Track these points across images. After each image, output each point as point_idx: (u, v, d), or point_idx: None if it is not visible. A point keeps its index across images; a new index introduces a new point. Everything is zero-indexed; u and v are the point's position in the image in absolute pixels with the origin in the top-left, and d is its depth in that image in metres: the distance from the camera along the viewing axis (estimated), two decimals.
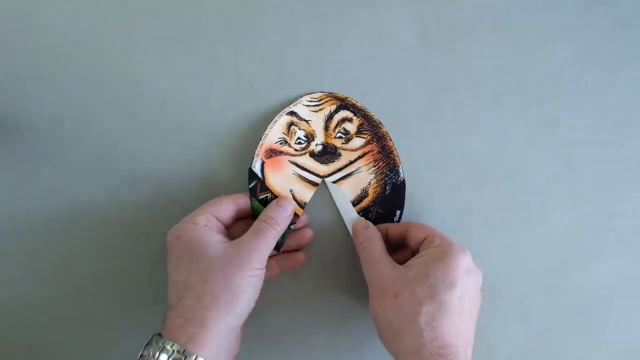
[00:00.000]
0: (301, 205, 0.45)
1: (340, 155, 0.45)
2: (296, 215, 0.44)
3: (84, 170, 0.44)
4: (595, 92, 0.47)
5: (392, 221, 0.45)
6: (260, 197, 0.44)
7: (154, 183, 0.45)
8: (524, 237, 0.46)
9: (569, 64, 0.47)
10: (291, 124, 0.45)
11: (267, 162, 0.45)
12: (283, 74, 0.46)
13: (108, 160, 0.45)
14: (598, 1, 0.47)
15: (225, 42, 0.46)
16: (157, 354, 0.34)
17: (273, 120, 0.45)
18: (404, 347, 0.37)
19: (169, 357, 0.34)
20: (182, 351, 0.34)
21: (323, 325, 0.45)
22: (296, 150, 0.45)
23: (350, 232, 0.44)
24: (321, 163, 0.45)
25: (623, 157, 0.47)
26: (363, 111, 0.45)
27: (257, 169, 0.44)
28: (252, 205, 0.43)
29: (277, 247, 0.44)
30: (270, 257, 0.40)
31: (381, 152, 0.45)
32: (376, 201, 0.45)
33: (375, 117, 0.46)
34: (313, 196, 0.45)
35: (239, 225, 0.42)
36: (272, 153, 0.45)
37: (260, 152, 0.45)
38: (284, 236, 0.44)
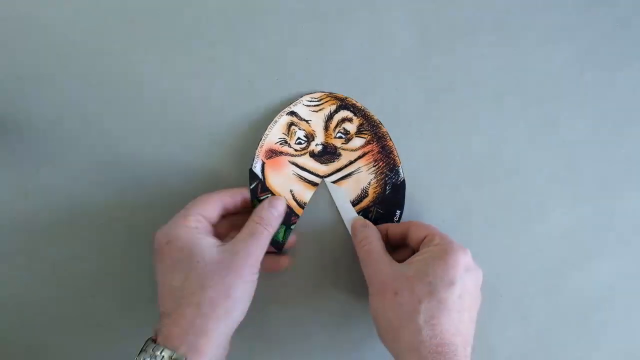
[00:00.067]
0: (301, 205, 0.45)
1: (340, 155, 0.45)
2: (296, 215, 0.44)
3: (84, 170, 0.44)
4: (595, 92, 0.47)
5: (392, 221, 0.45)
6: (262, 197, 0.44)
7: (154, 183, 0.45)
8: (524, 237, 0.46)
9: (569, 64, 0.47)
10: (291, 124, 0.45)
11: (268, 162, 0.45)
12: (283, 74, 0.46)
13: (108, 160, 0.45)
14: (598, 1, 0.47)
15: (225, 42, 0.46)
16: None
17: (273, 121, 0.45)
18: (403, 345, 0.37)
19: None
20: None
21: (323, 325, 0.45)
22: (296, 150, 0.45)
23: (350, 232, 0.44)
24: (321, 163, 0.45)
25: (623, 157, 0.47)
26: (363, 111, 0.45)
27: (257, 169, 0.44)
28: (253, 206, 0.43)
29: (279, 247, 0.44)
30: None
31: (381, 152, 0.45)
32: (376, 201, 0.45)
33: (375, 117, 0.46)
34: (313, 196, 0.45)
35: (224, 222, 0.42)
36: (272, 153, 0.45)
37: (260, 152, 0.45)
38: (285, 236, 0.44)
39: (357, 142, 0.45)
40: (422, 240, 0.40)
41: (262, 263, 0.41)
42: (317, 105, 0.45)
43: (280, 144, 0.45)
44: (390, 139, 0.45)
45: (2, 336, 0.44)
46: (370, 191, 0.45)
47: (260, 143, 0.45)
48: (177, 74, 0.45)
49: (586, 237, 0.46)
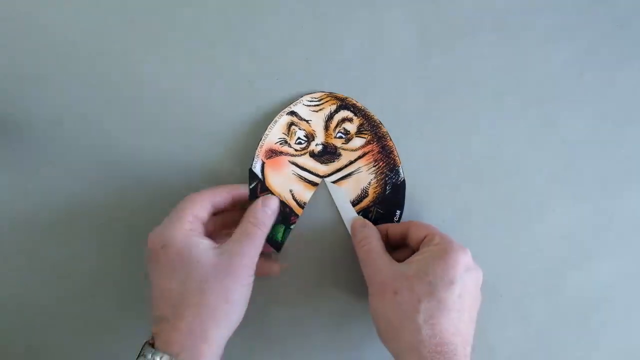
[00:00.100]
0: (301, 205, 0.45)
1: (340, 155, 0.45)
2: (296, 215, 0.44)
3: (84, 170, 0.44)
4: (595, 92, 0.47)
5: (392, 221, 0.45)
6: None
7: (154, 183, 0.45)
8: (524, 237, 0.46)
9: (569, 64, 0.47)
10: (291, 124, 0.45)
11: (267, 162, 0.45)
12: (283, 74, 0.46)
13: (108, 161, 0.45)
14: (598, 1, 0.47)
15: (225, 42, 0.46)
16: None
17: (273, 121, 0.45)
18: (403, 345, 0.37)
19: None
20: None
21: (323, 325, 0.45)
22: (296, 150, 0.45)
23: (350, 232, 0.44)
24: (321, 163, 0.45)
25: (623, 157, 0.47)
26: (363, 111, 0.45)
27: (257, 169, 0.44)
28: None
29: (278, 247, 0.44)
30: None
31: (381, 152, 0.45)
32: (376, 201, 0.45)
33: (376, 117, 0.46)
34: (313, 196, 0.45)
35: (214, 220, 0.42)
36: (272, 153, 0.45)
37: (260, 152, 0.45)
38: (284, 236, 0.44)
39: (357, 142, 0.45)
40: (422, 240, 0.40)
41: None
42: (317, 105, 0.45)
43: (280, 143, 0.45)
44: (391, 139, 0.45)
45: (2, 336, 0.44)
46: (370, 191, 0.45)
47: (260, 143, 0.45)
48: (177, 74, 0.45)
49: (586, 237, 0.46)
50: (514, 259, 0.46)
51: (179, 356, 0.34)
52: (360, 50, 0.46)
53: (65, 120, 0.45)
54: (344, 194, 0.45)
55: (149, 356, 0.34)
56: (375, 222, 0.44)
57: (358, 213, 0.45)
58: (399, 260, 0.40)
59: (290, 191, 0.45)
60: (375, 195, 0.45)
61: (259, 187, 0.44)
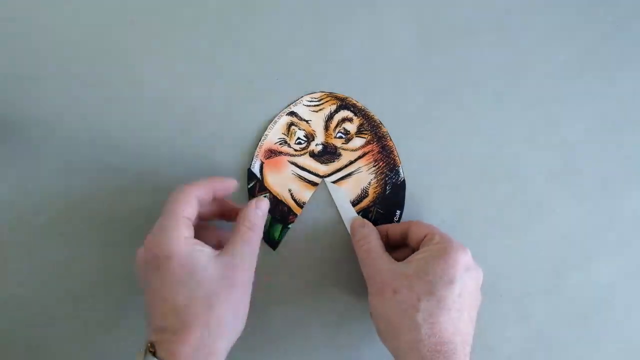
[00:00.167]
0: (299, 204, 0.45)
1: (340, 155, 0.45)
2: (294, 214, 0.44)
3: (84, 170, 0.44)
4: (595, 92, 0.47)
5: (392, 221, 0.45)
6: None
7: (154, 183, 0.45)
8: (524, 237, 0.46)
9: (569, 64, 0.47)
10: (291, 124, 0.45)
11: (267, 162, 0.45)
12: (283, 74, 0.46)
13: (108, 161, 0.45)
14: (598, 1, 0.47)
15: (225, 42, 0.46)
16: None
17: (273, 121, 0.45)
18: (402, 344, 0.37)
19: None
20: None
21: (323, 325, 0.45)
22: (296, 150, 0.45)
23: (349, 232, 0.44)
24: (321, 163, 0.45)
25: (623, 157, 0.47)
26: (363, 111, 0.45)
27: (256, 169, 0.44)
28: None
29: (274, 245, 0.44)
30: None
31: (381, 152, 0.45)
32: (376, 201, 0.45)
33: (376, 117, 0.46)
34: (312, 196, 0.45)
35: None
36: (272, 153, 0.45)
37: (259, 152, 0.45)
38: (281, 235, 0.44)
39: (357, 142, 0.45)
40: (422, 239, 0.40)
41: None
42: (317, 105, 0.45)
43: (280, 144, 0.45)
44: (391, 139, 0.45)
45: (2, 336, 0.44)
46: (371, 191, 0.45)
47: (260, 143, 0.45)
48: (177, 74, 0.45)
49: (586, 237, 0.46)
50: (514, 259, 0.46)
51: None
52: (360, 50, 0.46)
53: (65, 120, 0.45)
54: (344, 194, 0.45)
55: None
56: (375, 222, 0.44)
57: (358, 213, 0.45)
58: (399, 260, 0.40)
59: (289, 190, 0.45)
60: (375, 195, 0.45)
61: (257, 187, 0.44)
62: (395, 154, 0.45)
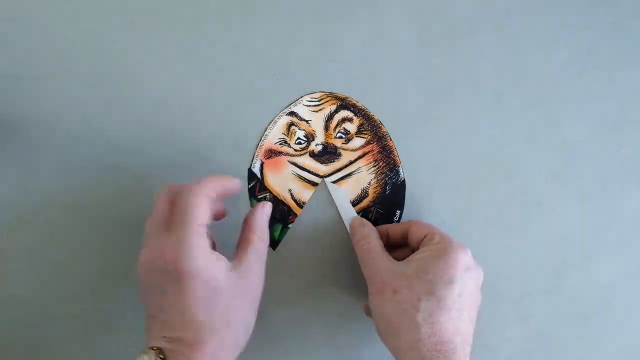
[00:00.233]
0: (299, 204, 0.45)
1: (340, 155, 0.45)
2: (294, 214, 0.44)
3: (84, 170, 0.44)
4: (595, 92, 0.47)
5: (392, 221, 0.45)
6: (259, 197, 0.44)
7: (154, 183, 0.45)
8: (524, 237, 0.46)
9: (569, 64, 0.47)
10: (291, 124, 0.45)
11: (267, 162, 0.45)
12: (283, 74, 0.46)
13: (108, 161, 0.45)
14: (598, 1, 0.47)
15: (225, 42, 0.46)
16: None
17: (273, 121, 0.45)
18: (402, 344, 0.37)
19: None
20: None
21: (323, 325, 0.45)
22: (296, 150, 0.45)
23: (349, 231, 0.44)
24: (321, 163, 0.45)
25: (623, 157, 0.47)
26: (363, 111, 0.45)
27: (256, 169, 0.44)
28: (252, 205, 0.43)
29: (274, 246, 0.44)
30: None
31: (381, 152, 0.45)
32: (376, 201, 0.45)
33: (376, 117, 0.46)
34: (312, 196, 0.45)
35: None
36: (272, 153, 0.45)
37: (259, 153, 0.45)
38: (281, 235, 0.44)
39: (358, 142, 0.45)
40: (422, 239, 0.40)
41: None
42: (317, 105, 0.45)
43: (280, 144, 0.45)
44: (391, 139, 0.45)
45: (2, 336, 0.44)
46: (371, 191, 0.45)
47: (260, 143, 0.45)
48: (177, 74, 0.45)
49: (586, 237, 0.46)
50: (514, 259, 0.46)
51: None
52: (360, 50, 0.46)
53: (65, 120, 0.45)
54: (344, 194, 0.45)
55: None
56: (375, 222, 0.44)
57: (358, 213, 0.45)
58: (399, 260, 0.40)
59: (289, 190, 0.45)
60: (375, 195, 0.45)
61: (258, 187, 0.44)
62: (395, 154, 0.45)
